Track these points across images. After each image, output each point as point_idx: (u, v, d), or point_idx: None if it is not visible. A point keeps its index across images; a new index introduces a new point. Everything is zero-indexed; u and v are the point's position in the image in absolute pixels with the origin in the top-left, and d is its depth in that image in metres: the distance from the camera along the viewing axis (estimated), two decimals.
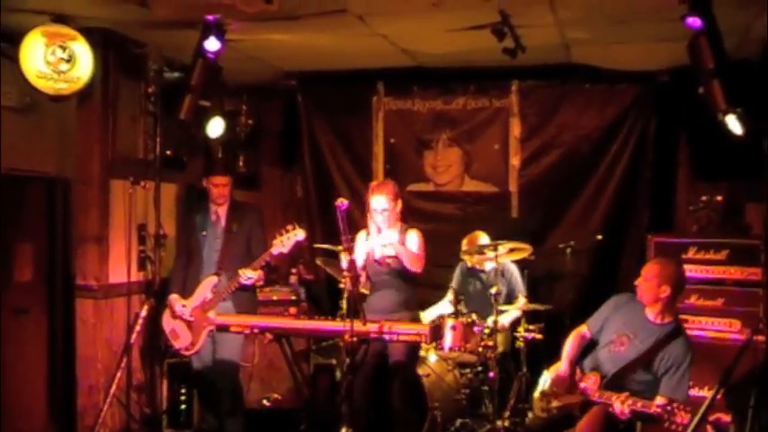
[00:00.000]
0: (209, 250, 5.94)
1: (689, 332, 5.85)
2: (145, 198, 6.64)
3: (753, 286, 5.89)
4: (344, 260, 5.12)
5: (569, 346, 5.09)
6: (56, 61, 5.74)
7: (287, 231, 5.57)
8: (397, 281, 5.45)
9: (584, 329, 5.11)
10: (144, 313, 6.52)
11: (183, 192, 7.41)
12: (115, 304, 6.41)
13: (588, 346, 5.09)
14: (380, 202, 5.39)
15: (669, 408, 4.40)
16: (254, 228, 5.98)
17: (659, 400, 4.57)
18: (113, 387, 6.25)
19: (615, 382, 4.77)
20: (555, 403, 4.98)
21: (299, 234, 5.56)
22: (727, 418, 5.59)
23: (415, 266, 5.36)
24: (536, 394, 5.35)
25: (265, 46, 6.78)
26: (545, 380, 5.26)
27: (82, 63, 5.82)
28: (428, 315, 6.62)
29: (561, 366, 5.04)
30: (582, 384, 4.85)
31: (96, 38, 6.07)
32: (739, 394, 5.57)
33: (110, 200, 6.42)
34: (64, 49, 5.75)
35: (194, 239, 5.99)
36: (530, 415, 5.34)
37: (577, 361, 5.04)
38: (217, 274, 5.82)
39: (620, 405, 4.57)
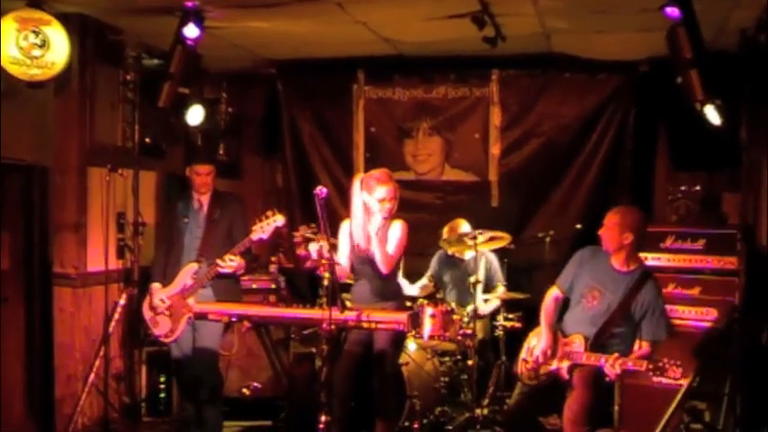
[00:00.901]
0: (191, 237, 5.91)
1: None
2: (124, 186, 6.62)
3: (729, 275, 5.92)
4: (316, 247, 5.11)
5: (546, 313, 5.12)
6: (28, 46, 5.65)
7: (266, 217, 5.56)
8: (379, 270, 5.44)
9: (555, 291, 5.16)
10: (123, 302, 6.52)
11: (162, 180, 7.38)
12: (93, 292, 6.37)
13: (563, 307, 5.13)
14: (390, 191, 5.37)
15: (660, 365, 4.50)
16: (237, 217, 5.95)
17: (644, 346, 4.76)
18: (92, 376, 6.25)
19: (598, 341, 4.83)
20: (543, 369, 5.00)
21: (278, 220, 5.55)
22: (702, 405, 5.62)
23: (384, 266, 5.32)
24: (519, 362, 5.34)
25: (245, 33, 6.75)
26: (527, 347, 5.27)
27: (56, 48, 5.73)
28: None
29: (543, 335, 5.06)
30: (567, 349, 4.88)
31: (73, 24, 6.02)
32: (715, 382, 5.64)
33: (88, 188, 6.38)
34: (37, 34, 5.65)
35: (176, 226, 5.95)
36: (517, 387, 5.36)
37: (555, 323, 5.09)
38: (197, 261, 5.80)
39: (611, 367, 4.64)
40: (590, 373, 4.80)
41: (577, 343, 4.86)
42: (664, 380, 5.74)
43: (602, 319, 4.84)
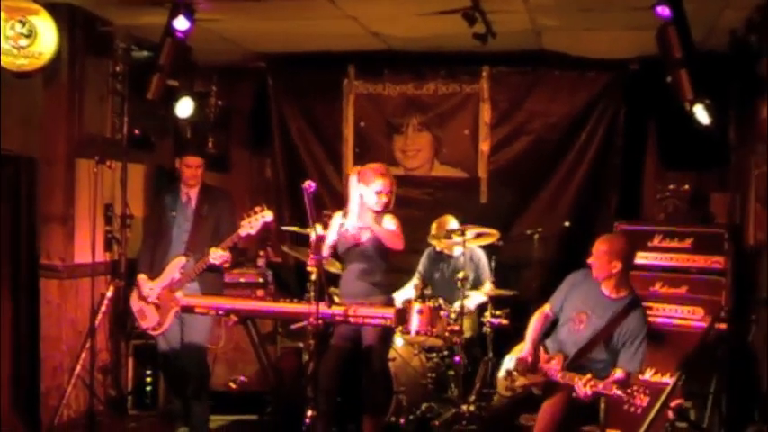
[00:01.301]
0: (179, 231, 5.90)
1: (654, 319, 5.96)
2: (112, 178, 6.61)
3: (716, 275, 5.94)
4: (313, 235, 5.14)
5: (532, 327, 5.14)
6: (15, 36, 5.56)
7: (255, 213, 5.55)
8: (370, 264, 5.44)
9: (546, 309, 5.17)
10: (110, 294, 6.51)
11: (151, 172, 7.35)
12: (80, 284, 6.35)
13: (553, 324, 5.15)
14: (387, 184, 5.38)
15: (629, 391, 4.48)
16: (225, 213, 5.94)
17: (618, 373, 4.69)
18: (78, 368, 6.24)
19: (577, 362, 4.83)
20: (519, 382, 5.03)
21: (266, 215, 5.54)
22: (687, 404, 5.65)
23: (396, 245, 5.36)
24: (500, 373, 5.39)
25: (235, 27, 6.73)
26: (509, 359, 5.30)
27: (43, 38, 5.65)
28: (396, 299, 6.64)
29: (524, 347, 5.09)
30: (545, 366, 4.90)
31: (62, 15, 5.98)
32: (700, 381, 5.66)
33: (75, 179, 6.36)
34: (24, 23, 5.58)
35: (163, 220, 5.94)
36: (495, 397, 5.39)
37: (542, 340, 5.09)
38: (185, 254, 5.79)
39: (583, 387, 4.63)
40: (562, 398, 4.80)
41: (555, 361, 4.87)
42: (650, 378, 5.82)
43: (585, 341, 4.86)
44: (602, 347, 4.84)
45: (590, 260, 4.93)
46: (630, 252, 4.92)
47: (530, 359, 5.01)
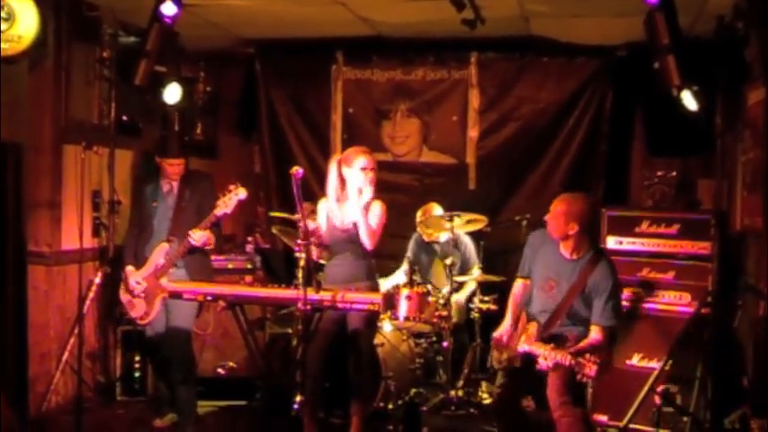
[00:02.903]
0: (161, 219, 5.88)
1: (640, 304, 6.00)
2: (99, 164, 6.59)
3: (703, 260, 5.97)
4: (311, 225, 5.18)
5: (512, 302, 5.24)
6: None
7: (229, 191, 5.52)
8: (357, 250, 5.45)
9: (519, 282, 5.24)
10: (98, 280, 6.50)
11: (138, 158, 7.32)
12: (68, 271, 6.34)
13: None
14: (370, 161, 5.39)
15: (582, 361, 4.51)
16: (205, 196, 5.91)
17: (594, 333, 4.76)
18: (66, 354, 6.23)
19: (549, 329, 4.88)
20: (504, 355, 5.06)
21: (240, 193, 5.52)
22: (674, 388, 5.69)
23: (369, 241, 5.37)
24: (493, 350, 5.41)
25: (223, 12, 6.70)
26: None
27: (23, 22, 5.56)
28: (384, 285, 6.65)
29: (504, 324, 5.17)
30: (524, 335, 4.93)
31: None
32: (686, 365, 5.70)
33: (62, 165, 6.33)
34: (2, 7, 5.49)
35: (145, 209, 5.93)
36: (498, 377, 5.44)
37: (526, 307, 5.15)
38: (168, 240, 5.78)
39: (544, 360, 4.68)
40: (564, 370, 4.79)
41: (531, 331, 4.90)
42: (637, 363, 5.86)
43: (555, 308, 4.90)
44: (575, 306, 4.86)
45: (547, 218, 4.96)
46: (589, 213, 4.91)
47: (504, 338, 5.05)
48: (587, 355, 4.53)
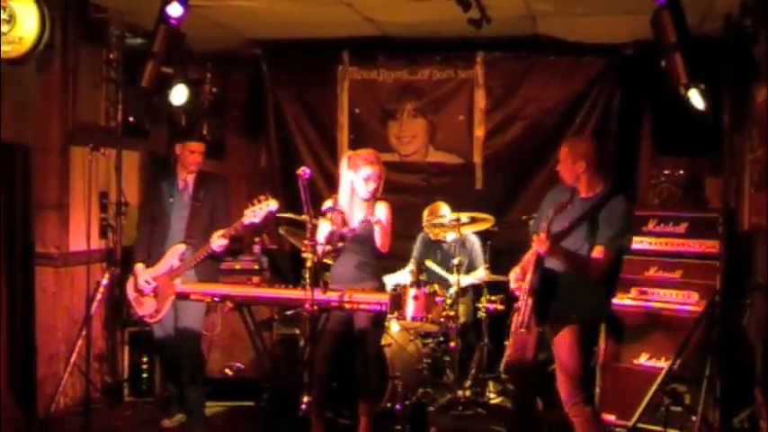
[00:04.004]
0: (176, 218, 5.88)
1: (649, 304, 5.99)
2: (107, 166, 6.60)
3: (710, 259, 5.95)
4: (324, 229, 5.24)
5: (525, 259, 5.08)
6: None
7: (259, 201, 5.46)
8: (362, 250, 5.45)
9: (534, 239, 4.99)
10: (105, 281, 6.50)
11: (145, 160, 7.34)
12: (75, 272, 6.36)
13: None
14: (375, 172, 5.37)
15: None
16: (219, 198, 5.94)
17: (596, 250, 4.68)
18: (74, 356, 6.23)
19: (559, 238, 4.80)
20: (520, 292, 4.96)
21: (271, 205, 5.47)
22: (682, 387, 5.67)
23: (385, 246, 5.37)
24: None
25: (229, 13, 6.71)
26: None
27: (24, 23, 5.52)
28: (388, 281, 6.65)
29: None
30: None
31: (55, 1, 5.94)
32: (695, 365, 5.68)
33: (70, 167, 6.35)
34: (3, 9, 5.47)
35: (160, 206, 5.93)
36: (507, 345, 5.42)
37: None
38: (185, 242, 5.78)
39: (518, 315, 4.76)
40: (570, 334, 4.77)
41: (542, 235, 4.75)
42: (644, 362, 5.85)
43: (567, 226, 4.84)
44: (585, 232, 4.78)
45: (558, 167, 5.00)
46: (593, 150, 4.93)
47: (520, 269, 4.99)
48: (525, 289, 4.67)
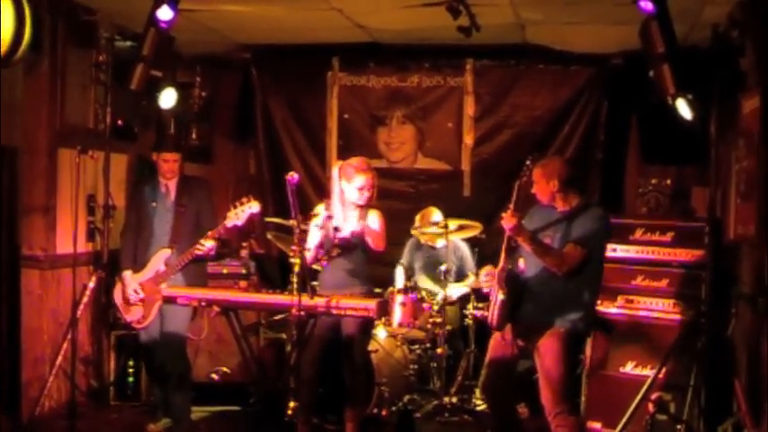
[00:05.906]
0: (160, 222, 5.87)
1: (635, 313, 6.00)
2: (95, 168, 6.58)
3: (696, 268, 5.98)
4: (316, 235, 5.23)
5: None
6: None
7: (241, 204, 5.51)
8: (352, 256, 5.45)
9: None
10: (92, 285, 6.48)
11: (133, 163, 7.32)
12: (62, 275, 6.32)
13: None
14: (368, 180, 5.37)
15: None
16: (204, 202, 5.93)
17: (567, 246, 4.81)
18: (59, 359, 6.21)
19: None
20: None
21: (253, 206, 5.51)
22: (667, 396, 5.69)
23: (379, 246, 5.38)
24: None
25: (220, 17, 6.71)
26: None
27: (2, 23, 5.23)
28: (453, 294, 6.71)
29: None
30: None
31: (44, 3, 5.91)
32: (680, 374, 5.70)
33: (57, 169, 6.32)
34: None
35: (144, 211, 5.92)
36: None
37: None
38: (170, 246, 5.77)
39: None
40: (555, 343, 4.80)
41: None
42: (630, 370, 5.86)
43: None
44: (560, 236, 4.91)
45: (533, 190, 5.08)
46: (565, 169, 5.04)
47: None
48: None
